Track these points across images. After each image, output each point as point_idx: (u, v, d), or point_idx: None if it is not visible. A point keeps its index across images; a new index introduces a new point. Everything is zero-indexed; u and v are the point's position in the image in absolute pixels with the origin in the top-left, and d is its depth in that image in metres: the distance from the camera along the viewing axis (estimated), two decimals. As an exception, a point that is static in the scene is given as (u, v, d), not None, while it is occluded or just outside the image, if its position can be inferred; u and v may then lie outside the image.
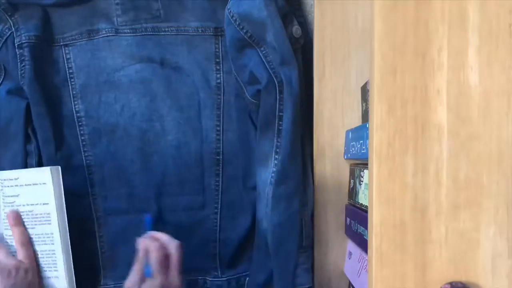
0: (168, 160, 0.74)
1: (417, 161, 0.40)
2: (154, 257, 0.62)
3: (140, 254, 0.64)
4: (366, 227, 0.56)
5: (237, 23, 0.65)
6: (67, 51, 0.73)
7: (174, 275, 0.64)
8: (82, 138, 0.74)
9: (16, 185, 0.68)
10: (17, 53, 0.71)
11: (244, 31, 0.65)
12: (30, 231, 0.68)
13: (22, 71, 0.71)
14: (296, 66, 0.65)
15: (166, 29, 0.72)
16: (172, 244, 0.64)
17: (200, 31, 0.72)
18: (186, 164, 0.74)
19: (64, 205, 0.68)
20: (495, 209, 0.41)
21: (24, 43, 0.71)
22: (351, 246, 0.66)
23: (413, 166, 0.41)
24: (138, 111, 0.73)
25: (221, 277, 0.77)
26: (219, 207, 0.75)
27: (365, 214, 0.56)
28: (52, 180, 0.67)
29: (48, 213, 0.68)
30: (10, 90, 0.73)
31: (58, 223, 0.67)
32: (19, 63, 0.71)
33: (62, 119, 0.74)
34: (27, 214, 0.68)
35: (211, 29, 0.71)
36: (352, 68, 0.67)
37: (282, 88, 0.65)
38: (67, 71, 0.73)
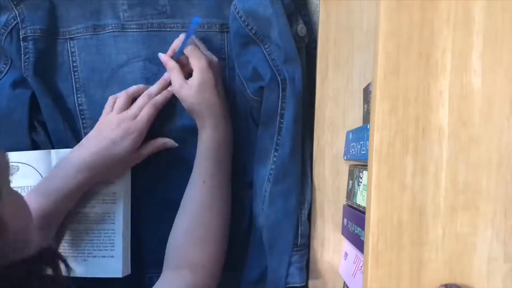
0: (170, 156, 0.74)
1: (416, 162, 0.41)
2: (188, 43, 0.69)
3: (169, 64, 0.69)
4: (363, 228, 0.56)
5: (242, 19, 0.65)
6: (72, 45, 0.73)
7: (209, 54, 0.71)
8: (85, 131, 0.74)
9: None
10: (22, 45, 0.71)
11: (249, 27, 0.65)
12: (95, 209, 0.70)
13: (26, 63, 0.71)
14: (300, 64, 0.65)
15: (172, 25, 0.72)
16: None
17: (206, 28, 0.72)
18: (188, 160, 0.74)
19: (130, 185, 0.70)
20: (493, 213, 0.41)
21: (29, 36, 0.71)
22: (347, 247, 0.66)
23: (413, 167, 0.41)
24: None
25: None
26: None
27: (362, 215, 0.56)
28: None
29: (114, 192, 0.69)
30: (16, 79, 0.74)
31: (123, 202, 0.68)
32: (23, 55, 0.71)
33: (65, 112, 0.74)
34: (95, 192, 0.70)
35: (217, 25, 0.72)
36: (355, 69, 0.67)
37: (285, 86, 0.65)
38: (71, 65, 0.73)
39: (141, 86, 0.73)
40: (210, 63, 0.68)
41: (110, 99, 0.72)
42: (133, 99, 0.72)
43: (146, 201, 0.75)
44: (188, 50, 0.68)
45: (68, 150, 0.71)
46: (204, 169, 0.69)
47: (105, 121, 0.70)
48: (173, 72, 0.69)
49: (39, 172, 0.71)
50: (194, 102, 0.68)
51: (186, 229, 0.68)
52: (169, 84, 0.72)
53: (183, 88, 0.68)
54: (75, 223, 0.70)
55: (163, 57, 0.69)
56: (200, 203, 0.68)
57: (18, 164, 0.71)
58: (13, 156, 0.71)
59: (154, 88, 0.72)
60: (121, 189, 0.70)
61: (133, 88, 0.72)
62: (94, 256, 0.70)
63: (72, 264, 0.70)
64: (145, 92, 0.71)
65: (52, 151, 0.72)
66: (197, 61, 0.67)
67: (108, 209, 0.70)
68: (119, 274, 0.69)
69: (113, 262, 0.69)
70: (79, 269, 0.70)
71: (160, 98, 0.71)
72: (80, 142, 0.70)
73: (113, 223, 0.69)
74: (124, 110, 0.70)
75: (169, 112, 0.73)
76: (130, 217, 0.74)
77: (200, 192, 0.68)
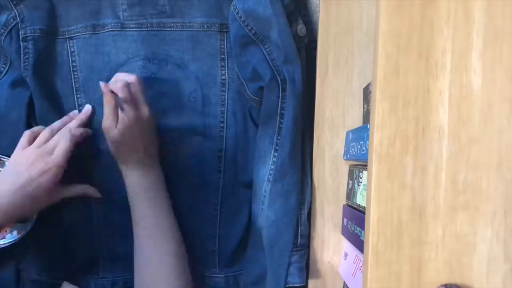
0: (169, 156, 0.74)
1: (416, 161, 0.41)
2: (121, 96, 0.64)
3: (107, 97, 0.65)
4: (363, 228, 0.56)
5: (242, 19, 0.65)
6: (71, 44, 0.73)
7: (143, 107, 0.67)
8: (84, 131, 0.74)
9: None
10: (21, 45, 0.71)
11: (249, 28, 0.65)
12: None
13: (25, 63, 0.71)
14: (300, 65, 0.65)
15: (172, 25, 0.72)
16: (131, 78, 0.66)
17: (205, 27, 0.72)
18: (188, 160, 0.74)
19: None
20: (493, 213, 0.41)
21: (28, 36, 0.71)
22: (347, 246, 0.66)
23: (413, 167, 0.41)
24: None
25: (219, 274, 0.77)
26: (219, 204, 0.76)
27: (362, 215, 0.56)
28: None
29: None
30: (15, 79, 0.74)
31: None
32: (22, 55, 0.71)
33: (65, 112, 0.74)
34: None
35: (217, 25, 0.71)
36: (355, 69, 0.67)
37: (285, 86, 0.65)
38: (71, 64, 0.73)
39: (66, 119, 0.72)
40: (136, 118, 0.66)
41: (27, 133, 0.69)
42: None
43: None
44: (120, 97, 0.65)
45: None
46: (138, 217, 0.69)
47: (21, 157, 0.67)
48: (106, 106, 0.66)
49: None
50: (115, 148, 0.68)
51: (141, 282, 0.68)
52: (88, 118, 0.72)
53: (111, 129, 0.66)
54: None
55: (104, 87, 0.65)
56: (144, 255, 0.68)
57: None
58: None
59: (73, 122, 0.71)
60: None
61: (57, 124, 0.71)
62: None
63: None
64: (65, 127, 0.70)
65: None
66: (123, 115, 0.66)
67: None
68: None
69: None
70: None
71: (77, 131, 0.69)
72: None
73: None
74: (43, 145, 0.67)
75: (164, 111, 0.73)
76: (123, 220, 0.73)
77: (142, 243, 0.68)
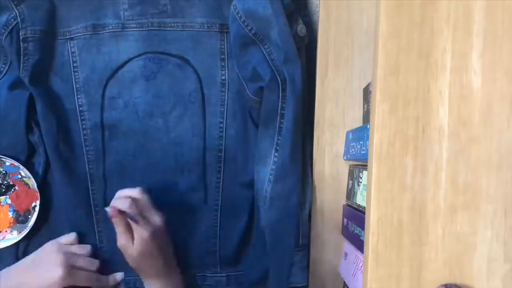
0: (170, 156, 0.74)
1: (416, 162, 0.40)
2: (130, 212, 0.65)
3: (116, 219, 0.65)
4: (363, 228, 0.56)
5: (242, 19, 0.65)
6: (72, 45, 0.73)
7: (154, 217, 0.68)
8: (84, 132, 0.74)
9: None
10: (21, 46, 0.71)
11: (249, 28, 0.65)
12: None
13: (25, 64, 0.71)
14: (300, 65, 0.65)
15: (172, 25, 0.72)
16: (135, 193, 0.67)
17: (206, 27, 0.72)
18: (188, 160, 0.74)
19: None
20: (493, 213, 0.41)
21: (29, 37, 0.71)
22: (347, 247, 0.66)
23: (413, 167, 0.40)
24: (141, 107, 0.73)
25: (221, 273, 0.77)
26: (219, 204, 0.76)
27: (362, 215, 0.56)
28: None
29: None
30: (15, 79, 0.74)
31: None
32: (22, 57, 0.71)
33: (65, 113, 0.74)
34: None
35: (217, 25, 0.71)
36: (355, 69, 0.67)
37: (285, 86, 0.65)
38: (72, 65, 0.73)
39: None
40: (151, 231, 0.66)
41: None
42: None
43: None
44: (129, 213, 0.65)
45: None
46: None
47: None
48: (118, 227, 0.66)
49: None
50: (135, 264, 0.68)
51: None
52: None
53: (128, 247, 0.66)
54: None
55: (112, 210, 0.65)
56: None
57: None
58: None
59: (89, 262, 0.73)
60: None
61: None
62: None
63: None
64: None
65: None
66: (139, 231, 0.66)
67: None
68: None
69: None
70: None
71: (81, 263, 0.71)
72: None
73: None
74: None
75: (164, 111, 0.73)
76: None
77: None
